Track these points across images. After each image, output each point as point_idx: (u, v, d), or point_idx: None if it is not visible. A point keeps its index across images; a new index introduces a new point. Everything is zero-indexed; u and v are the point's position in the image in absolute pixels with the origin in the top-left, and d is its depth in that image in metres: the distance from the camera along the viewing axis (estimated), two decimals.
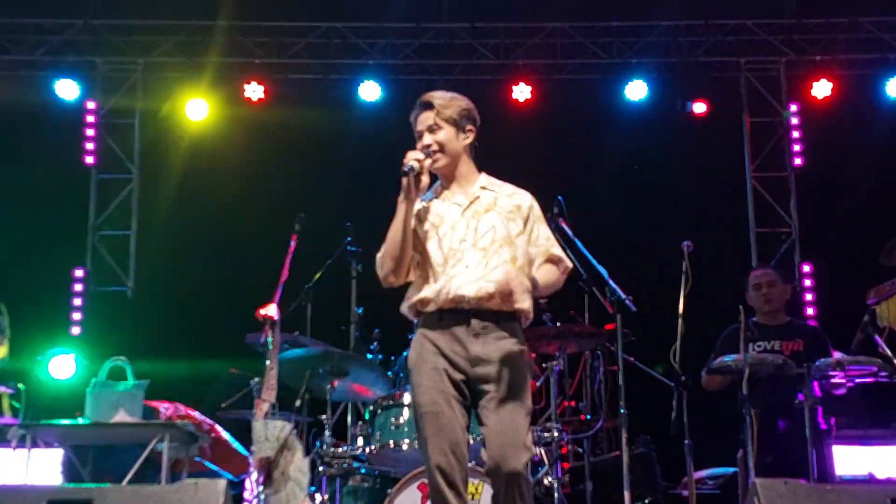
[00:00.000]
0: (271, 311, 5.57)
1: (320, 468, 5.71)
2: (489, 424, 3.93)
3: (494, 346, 3.96)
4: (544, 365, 6.11)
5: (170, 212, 9.60)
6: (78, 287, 9.27)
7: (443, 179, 4.20)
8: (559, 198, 5.83)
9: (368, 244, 6.59)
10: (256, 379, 6.05)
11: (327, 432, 5.68)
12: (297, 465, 5.77)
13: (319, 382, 5.77)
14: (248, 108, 9.47)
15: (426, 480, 5.14)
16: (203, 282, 9.09)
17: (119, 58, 9.64)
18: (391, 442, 5.56)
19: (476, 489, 5.20)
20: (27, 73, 9.61)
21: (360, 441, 5.73)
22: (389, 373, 6.41)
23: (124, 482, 5.69)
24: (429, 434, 3.92)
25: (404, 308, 4.19)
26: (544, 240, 4.16)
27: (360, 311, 6.54)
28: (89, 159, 9.61)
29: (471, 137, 4.19)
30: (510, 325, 4.01)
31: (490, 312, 3.98)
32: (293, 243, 6.22)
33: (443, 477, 3.88)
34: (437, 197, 4.19)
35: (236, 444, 6.69)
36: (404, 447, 5.53)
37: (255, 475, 5.37)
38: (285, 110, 9.48)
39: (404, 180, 4.00)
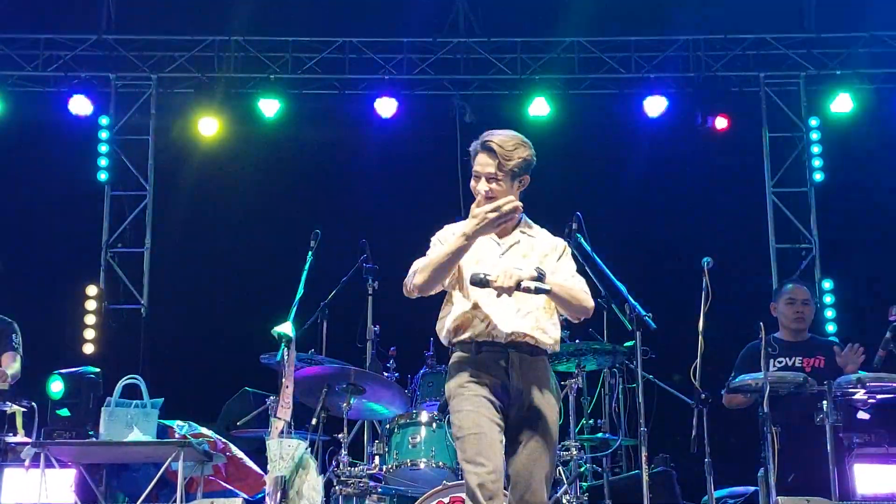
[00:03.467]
0: (287, 328, 5.52)
1: (337, 487, 5.65)
2: (520, 456, 3.97)
3: (530, 377, 4.02)
4: (562, 383, 6.04)
5: (184, 229, 9.57)
6: (91, 305, 9.23)
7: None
8: (577, 214, 5.77)
9: (384, 261, 6.59)
10: (272, 397, 6.00)
11: (344, 451, 5.61)
12: (312, 483, 5.71)
13: (336, 400, 5.72)
14: (262, 123, 9.44)
15: (444, 499, 5.12)
16: (217, 299, 9.06)
17: (132, 73, 9.64)
18: (408, 461, 5.51)
19: None
20: (40, 88, 9.62)
21: (377, 460, 5.67)
22: (406, 390, 6.35)
23: (139, 502, 5.64)
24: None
25: (439, 329, 4.27)
26: (569, 274, 4.16)
27: (376, 328, 6.48)
28: (103, 176, 9.59)
29: (523, 188, 4.22)
30: (542, 359, 4.09)
31: (525, 346, 4.04)
32: (309, 260, 6.18)
33: (484, 496, 3.84)
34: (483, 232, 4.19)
35: (251, 463, 6.63)
36: (421, 466, 5.48)
37: (270, 494, 5.31)
38: (300, 126, 9.46)
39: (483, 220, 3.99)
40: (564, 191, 8.69)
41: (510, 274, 3.90)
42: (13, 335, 6.35)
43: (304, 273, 5.86)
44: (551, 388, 4.08)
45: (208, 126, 9.42)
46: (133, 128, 9.67)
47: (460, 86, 9.58)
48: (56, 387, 5.99)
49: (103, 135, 9.57)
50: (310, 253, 6.26)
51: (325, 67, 9.62)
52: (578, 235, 5.74)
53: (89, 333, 9.12)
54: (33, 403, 5.94)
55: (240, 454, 6.68)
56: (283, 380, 5.45)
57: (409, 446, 5.57)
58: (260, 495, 6.29)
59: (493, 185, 4.10)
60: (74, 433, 5.88)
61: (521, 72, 9.51)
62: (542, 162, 9.72)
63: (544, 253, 4.16)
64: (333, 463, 5.70)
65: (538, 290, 3.92)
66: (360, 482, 5.58)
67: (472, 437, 3.91)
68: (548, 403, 4.03)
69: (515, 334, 4.02)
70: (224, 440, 6.49)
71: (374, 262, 6.58)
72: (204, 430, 6.58)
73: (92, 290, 9.28)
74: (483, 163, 4.13)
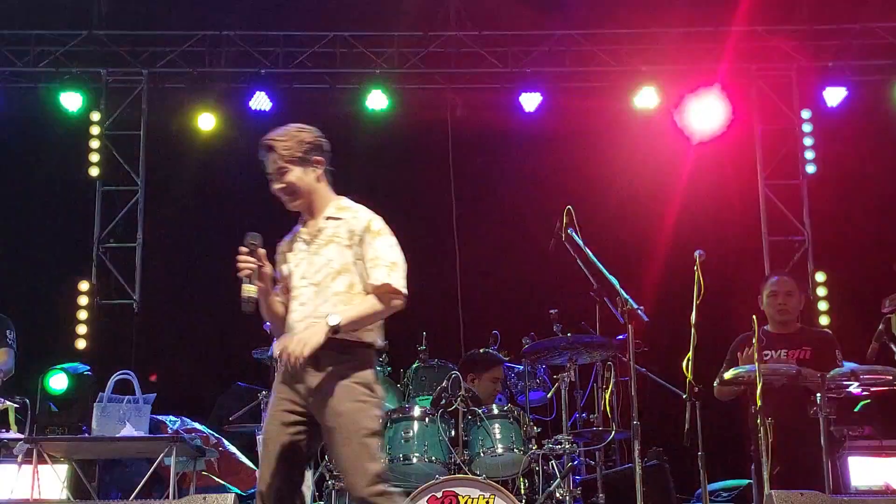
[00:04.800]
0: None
1: (329, 482, 5.64)
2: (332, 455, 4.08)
3: (322, 376, 3.94)
4: (555, 376, 6.04)
5: (176, 224, 9.54)
6: (83, 300, 9.20)
7: (303, 213, 4.23)
8: (569, 207, 5.77)
9: None
10: (264, 392, 5.99)
11: None
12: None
13: None
14: (254, 118, 9.40)
15: (437, 494, 5.13)
16: (210, 294, 9.02)
17: (124, 69, 9.59)
18: (401, 455, 5.51)
19: (487, 502, 5.13)
20: (31, 84, 9.57)
21: None
22: (399, 385, 6.35)
23: (132, 497, 5.64)
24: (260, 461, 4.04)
25: None
26: (370, 262, 4.04)
27: None
28: (94, 171, 9.54)
29: (320, 169, 4.19)
30: (346, 357, 3.96)
31: (328, 345, 3.94)
32: None
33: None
34: (298, 231, 4.25)
35: (244, 458, 6.64)
36: (414, 460, 5.47)
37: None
38: (292, 120, 9.35)
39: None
40: (555, 184, 8.68)
41: (295, 353, 3.84)
42: (7, 331, 6.33)
43: None
44: (345, 378, 3.93)
45: (199, 120, 9.39)
46: (124, 123, 9.62)
47: (451, 79, 9.56)
48: (59, 382, 5.98)
49: (95, 130, 9.52)
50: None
51: (316, 61, 9.59)
52: (570, 229, 5.74)
53: (81, 329, 9.09)
54: (26, 399, 5.93)
55: (232, 449, 6.69)
56: (276, 374, 5.43)
57: (402, 441, 5.56)
58: (253, 490, 6.28)
59: (285, 179, 4.10)
60: (67, 429, 5.88)
61: (513, 65, 9.49)
62: (533, 154, 9.78)
63: (347, 237, 4.06)
64: (325, 458, 5.69)
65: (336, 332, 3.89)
66: None
67: (263, 441, 4.04)
68: (340, 396, 3.91)
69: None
70: (217, 435, 6.50)
71: None
72: (196, 426, 6.58)
73: (84, 285, 9.25)
74: (269, 163, 4.15)
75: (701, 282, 5.22)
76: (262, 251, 4.08)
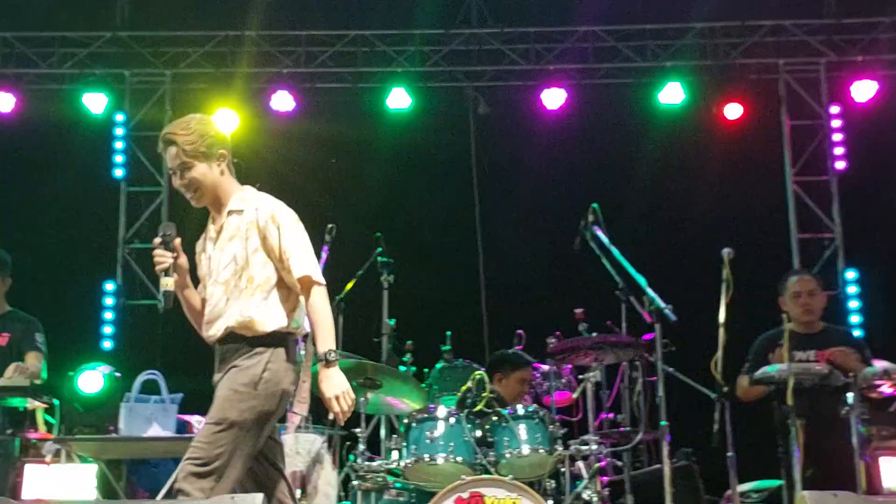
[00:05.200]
0: (303, 323, 5.49)
1: (355, 482, 5.62)
2: None
3: (224, 370, 3.97)
4: (580, 376, 5.99)
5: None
6: (109, 301, 9.23)
7: (209, 208, 4.17)
8: (594, 206, 5.72)
9: (399, 255, 6.55)
10: None
11: (361, 446, 5.57)
12: (328, 478, 5.70)
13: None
14: (276, 118, 9.41)
15: (463, 495, 5.09)
16: None
17: (147, 70, 9.62)
18: (426, 455, 5.46)
19: (514, 503, 5.09)
20: (55, 86, 9.60)
21: (395, 454, 5.63)
22: (423, 385, 6.31)
23: (159, 497, 5.64)
24: None
25: None
26: (284, 254, 3.98)
27: (392, 322, 6.45)
28: (119, 172, 9.58)
29: (224, 162, 4.10)
30: (241, 348, 3.95)
31: (232, 341, 3.97)
32: (324, 255, 6.15)
33: None
34: (206, 228, 4.22)
35: None
36: (439, 461, 5.42)
37: None
38: (314, 120, 9.41)
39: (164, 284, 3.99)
40: (580, 182, 8.62)
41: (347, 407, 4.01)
42: (36, 334, 6.29)
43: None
44: (233, 368, 3.93)
45: (226, 121, 9.40)
46: (148, 124, 9.64)
47: (473, 77, 9.52)
48: (93, 383, 5.98)
49: (119, 131, 9.56)
50: (325, 247, 6.24)
51: (337, 61, 9.57)
52: (595, 227, 5.69)
53: (108, 329, 9.12)
54: (55, 400, 5.94)
55: None
56: (301, 375, 5.42)
57: (427, 441, 5.51)
58: None
59: (190, 175, 4.01)
60: (95, 429, 5.89)
61: (535, 62, 9.44)
62: (556, 153, 9.75)
63: (247, 230, 4.01)
64: (350, 458, 5.67)
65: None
66: (378, 477, 5.54)
67: None
68: (224, 386, 3.90)
69: (216, 339, 4.02)
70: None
71: (389, 255, 6.55)
72: None
73: (110, 285, 9.28)
74: (170, 157, 4.06)
75: (729, 280, 5.16)
76: (177, 242, 4.03)
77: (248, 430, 3.86)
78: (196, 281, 4.19)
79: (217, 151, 4.06)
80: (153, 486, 6.57)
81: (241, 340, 3.96)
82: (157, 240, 4.01)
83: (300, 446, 5.73)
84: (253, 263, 3.97)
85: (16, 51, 9.49)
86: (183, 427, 6.24)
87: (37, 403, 5.95)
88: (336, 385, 3.96)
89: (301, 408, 5.40)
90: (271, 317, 3.99)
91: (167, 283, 3.96)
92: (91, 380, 5.93)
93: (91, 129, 9.55)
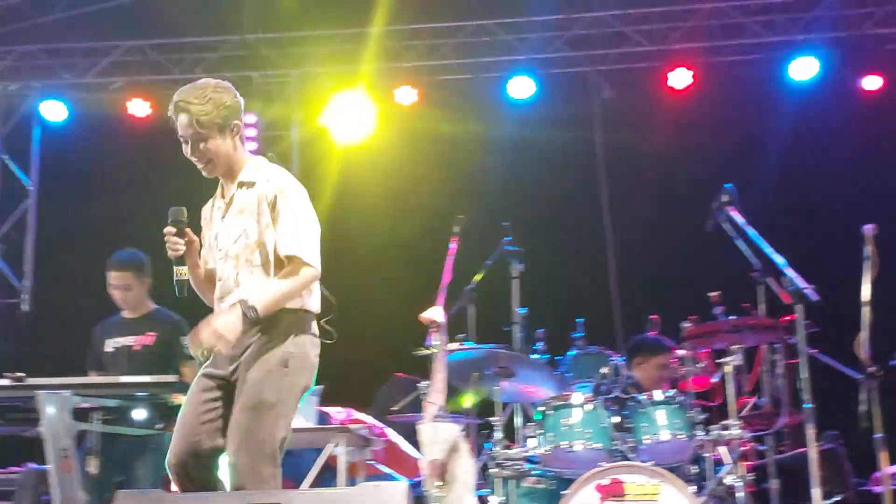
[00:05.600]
0: (436, 314, 5.55)
1: (493, 470, 5.66)
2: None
3: (244, 347, 3.85)
4: (718, 361, 5.88)
5: (329, 219, 9.70)
6: None
7: (221, 178, 4.06)
8: (728, 186, 5.60)
9: (528, 243, 6.55)
10: (423, 382, 6.05)
11: (498, 434, 5.61)
12: (465, 466, 5.74)
13: (487, 384, 5.72)
14: (401, 112, 9.52)
15: (603, 482, 5.06)
16: (365, 287, 9.18)
17: (273, 71, 9.84)
18: (564, 442, 5.46)
19: (656, 489, 5.05)
20: None
21: (532, 442, 5.65)
22: (556, 372, 6.31)
23: (305, 485, 5.77)
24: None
25: None
26: (280, 232, 3.84)
27: (523, 311, 6.45)
28: None
29: (238, 134, 3.97)
30: (275, 327, 3.86)
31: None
32: (453, 245, 6.20)
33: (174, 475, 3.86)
34: (215, 197, 4.10)
35: (408, 447, 6.72)
36: (577, 448, 5.41)
37: (426, 478, 5.36)
38: (438, 112, 9.48)
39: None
40: (709, 163, 8.47)
41: (213, 347, 3.74)
42: (182, 338, 6.40)
43: (450, 258, 5.88)
44: (267, 354, 3.84)
45: (348, 117, 9.56)
46: (277, 124, 9.88)
47: (596, 61, 9.43)
48: None
49: (249, 132, 9.80)
50: (454, 238, 6.28)
51: (459, 52, 9.61)
52: (729, 208, 5.58)
53: None
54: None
55: (396, 438, 6.78)
56: (435, 365, 5.49)
57: (564, 428, 5.51)
58: (417, 479, 6.36)
59: (204, 146, 3.87)
60: None
61: (660, 43, 9.29)
62: (685, 134, 9.57)
63: (259, 203, 3.87)
64: (487, 446, 5.70)
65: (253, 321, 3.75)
66: (516, 465, 5.57)
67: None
68: (259, 367, 3.82)
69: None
70: (380, 425, 6.59)
71: (517, 243, 6.55)
72: (361, 416, 6.70)
73: None
74: (182, 125, 3.90)
75: (874, 257, 5.00)
76: (187, 228, 3.96)
77: (286, 407, 3.87)
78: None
79: (232, 122, 3.92)
80: (296, 474, 6.74)
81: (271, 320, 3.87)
82: (171, 228, 3.93)
83: (437, 435, 5.79)
84: (267, 239, 3.87)
85: (149, 58, 9.83)
86: (323, 418, 6.38)
87: (183, 398, 6.14)
88: (226, 327, 3.71)
89: (437, 397, 5.49)
90: (308, 296, 3.95)
91: (181, 271, 3.91)
92: None
93: None
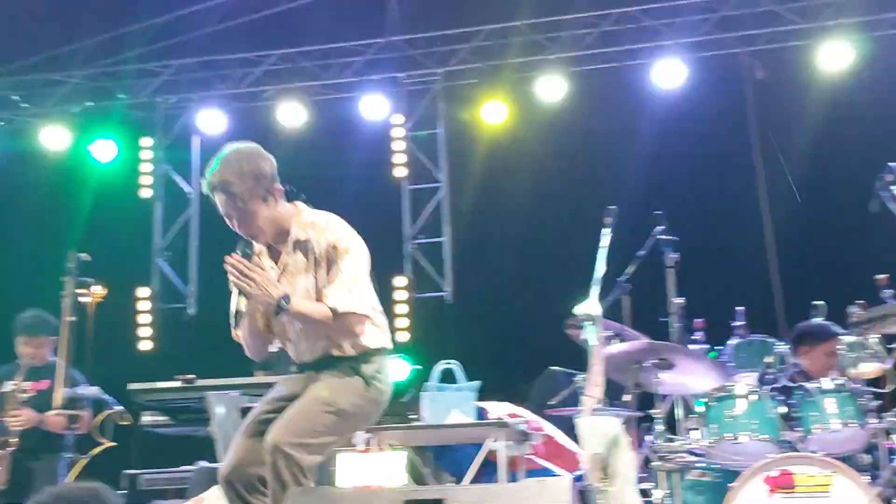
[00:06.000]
0: (591, 306, 5.51)
1: (655, 463, 5.58)
2: None
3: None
4: (889, 346, 5.65)
5: (479, 215, 9.81)
6: (399, 295, 9.64)
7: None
8: (891, 165, 5.38)
9: (682, 231, 6.43)
10: (580, 375, 6.02)
11: (659, 426, 5.53)
12: (626, 459, 5.68)
13: (645, 376, 5.64)
14: (545, 105, 9.49)
15: (772, 473, 4.93)
16: (518, 281, 9.21)
17: (419, 70, 9.96)
18: (728, 434, 5.34)
19: (828, 479, 4.89)
20: (337, 95, 10.13)
21: (695, 434, 5.55)
22: (718, 362, 6.18)
23: (466, 481, 5.83)
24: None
25: None
26: (330, 281, 3.86)
27: (680, 300, 6.34)
28: (399, 172, 9.98)
29: (277, 194, 3.90)
30: (356, 364, 3.93)
31: (329, 362, 3.94)
32: (606, 237, 6.13)
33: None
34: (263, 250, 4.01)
35: (566, 441, 6.69)
36: (743, 439, 5.29)
37: (587, 472, 5.33)
38: (584, 103, 9.42)
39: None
40: (873, 144, 8.13)
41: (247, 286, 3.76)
42: None
43: (603, 249, 5.83)
44: (350, 373, 3.91)
45: (495, 113, 9.60)
46: (424, 123, 10.01)
47: (746, 42, 9.18)
48: (402, 371, 6.25)
49: (397, 133, 9.96)
50: (606, 229, 6.21)
51: (603, 41, 9.51)
52: (894, 188, 5.36)
53: (401, 322, 9.54)
54: None
55: (555, 433, 6.76)
56: (592, 358, 5.45)
57: (728, 419, 5.39)
58: (577, 473, 6.33)
59: (250, 221, 3.85)
60: (400, 418, 6.18)
61: (812, 19, 8.97)
62: (841, 112, 9.18)
63: (316, 260, 3.88)
64: (649, 439, 5.63)
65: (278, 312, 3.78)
66: (679, 457, 5.48)
67: None
68: (334, 376, 3.89)
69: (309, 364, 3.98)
70: (538, 419, 6.59)
71: (671, 233, 6.44)
72: (518, 411, 6.71)
73: (399, 280, 9.70)
74: (223, 205, 3.86)
75: None
76: (255, 258, 3.89)
77: (347, 421, 3.91)
78: None
79: (273, 187, 3.89)
80: (457, 470, 6.81)
81: (340, 359, 3.96)
82: (234, 257, 3.85)
83: (597, 429, 5.75)
84: (326, 293, 3.88)
85: (299, 66, 10.10)
86: (481, 413, 6.43)
87: None
88: (266, 294, 3.78)
89: (595, 391, 5.45)
90: (365, 337, 3.98)
91: (240, 302, 3.87)
92: (399, 367, 6.22)
93: (370, 132, 10.02)
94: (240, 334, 4.04)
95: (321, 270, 3.87)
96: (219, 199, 3.83)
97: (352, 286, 3.84)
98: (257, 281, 3.73)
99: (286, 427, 3.73)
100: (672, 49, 9.21)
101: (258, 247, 3.96)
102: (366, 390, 3.95)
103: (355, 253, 3.92)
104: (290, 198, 4.01)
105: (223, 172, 3.81)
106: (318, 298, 3.85)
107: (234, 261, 3.76)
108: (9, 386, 6.34)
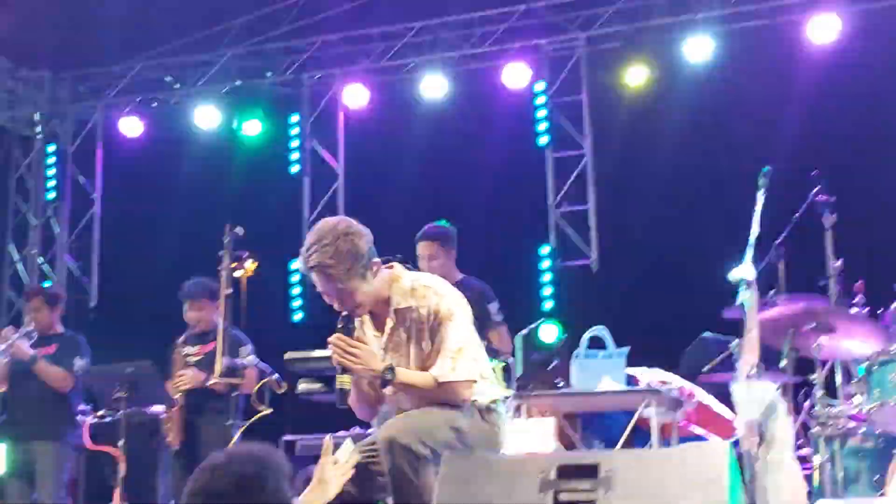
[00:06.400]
0: (745, 271, 5.38)
1: (814, 430, 5.43)
2: None
3: None
4: None
5: (623, 181, 9.69)
6: (545, 263, 9.62)
7: None
8: None
9: (840, 192, 6.19)
10: (735, 341, 5.88)
11: (818, 392, 5.37)
12: (782, 426, 5.55)
13: (803, 341, 5.48)
14: (691, 66, 9.27)
15: None
16: (665, 246, 9.05)
17: (561, 36, 9.86)
18: (891, 399, 5.15)
19: None
20: (478, 65, 10.12)
21: (856, 399, 5.37)
22: (880, 326, 5.95)
23: (617, 447, 5.80)
24: None
25: None
26: (434, 349, 3.84)
27: (838, 263, 6.12)
28: (543, 140, 9.92)
29: (374, 268, 3.84)
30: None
31: None
32: (761, 199, 5.96)
33: None
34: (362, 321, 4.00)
35: (721, 408, 6.57)
36: None
37: (743, 438, 5.22)
38: (731, 62, 9.15)
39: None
40: None
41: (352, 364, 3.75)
42: (490, 304, 6.60)
43: (757, 213, 5.67)
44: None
45: (639, 76, 9.43)
46: (567, 89, 9.91)
47: None
48: (551, 334, 6.25)
49: (539, 100, 9.90)
50: (760, 191, 6.04)
51: None
52: None
53: (546, 290, 9.51)
54: (510, 359, 6.30)
55: (708, 400, 6.65)
56: (747, 323, 5.33)
57: (891, 384, 5.19)
58: (731, 440, 6.22)
59: (350, 299, 3.81)
60: (548, 385, 6.18)
61: None
62: None
63: (418, 330, 3.87)
64: (808, 405, 5.48)
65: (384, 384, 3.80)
66: (839, 423, 5.31)
67: None
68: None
69: None
70: (690, 385, 6.49)
71: (829, 193, 6.21)
72: (669, 377, 6.62)
73: (544, 248, 9.68)
74: (322, 285, 3.82)
75: None
76: (357, 334, 3.90)
77: (463, 440, 3.87)
78: None
79: (371, 263, 3.85)
80: (608, 436, 6.78)
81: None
82: (336, 336, 3.85)
83: (752, 394, 5.63)
84: (432, 361, 3.90)
85: (440, 37, 10.14)
86: (631, 380, 6.37)
87: (496, 362, 6.34)
88: (368, 363, 3.83)
89: (750, 356, 5.33)
90: (476, 398, 3.96)
91: (344, 380, 3.84)
92: (549, 331, 6.23)
93: (513, 101, 9.99)
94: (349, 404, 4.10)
95: (425, 338, 3.90)
96: (316, 279, 3.84)
97: (456, 355, 3.85)
98: (360, 357, 3.78)
99: (404, 424, 3.76)
100: (827, 3, 8.82)
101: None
102: (485, 415, 3.99)
103: (458, 317, 3.90)
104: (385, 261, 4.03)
105: (321, 255, 3.79)
106: (425, 367, 3.88)
107: (336, 340, 3.80)
108: (180, 350, 6.69)
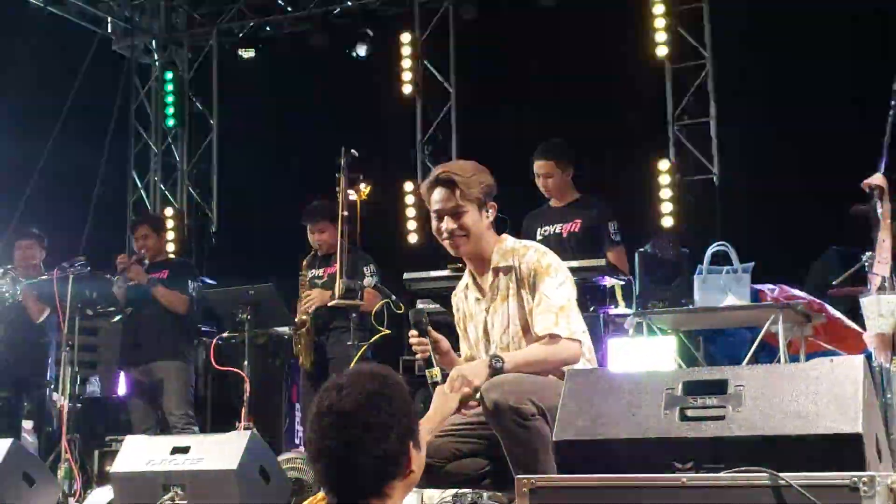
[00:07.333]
0: (879, 178, 5.14)
1: None
2: None
3: None
4: None
5: (744, 93, 9.34)
6: (665, 179, 9.38)
7: (468, 263, 4.01)
8: None
9: None
10: (867, 253, 5.65)
11: None
12: None
13: None
14: None
15: None
16: (790, 158, 8.71)
17: None
18: None
19: None
20: None
21: None
22: None
23: (743, 364, 5.69)
24: None
25: None
26: (536, 306, 3.78)
27: None
28: (661, 51, 9.59)
29: (493, 214, 3.92)
30: None
31: None
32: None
33: None
34: (467, 285, 4.05)
35: (850, 322, 6.36)
36: None
37: (874, 352, 5.04)
38: None
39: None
40: None
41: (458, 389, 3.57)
42: (612, 221, 6.50)
43: (890, 120, 5.38)
44: None
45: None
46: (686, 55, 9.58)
47: None
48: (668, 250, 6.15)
49: (657, 10, 9.54)
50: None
51: None
52: None
53: (666, 207, 9.29)
54: (631, 277, 6.19)
55: (837, 314, 6.45)
56: (879, 233, 5.11)
57: None
58: (862, 354, 6.01)
59: (461, 221, 3.82)
60: (669, 302, 6.07)
61: None
62: None
63: (518, 287, 3.83)
64: None
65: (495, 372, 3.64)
66: None
67: None
68: None
69: None
70: (819, 300, 6.29)
71: None
72: (796, 292, 6.43)
73: (664, 164, 9.44)
74: (440, 199, 3.84)
75: None
76: (429, 328, 3.80)
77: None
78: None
79: (490, 201, 3.93)
80: (731, 353, 6.65)
81: None
82: (415, 333, 3.79)
83: (883, 308, 5.42)
84: (532, 321, 3.83)
85: None
86: (755, 296, 6.20)
87: (615, 280, 6.25)
88: (472, 372, 3.61)
89: (882, 268, 5.10)
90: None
91: (433, 373, 3.74)
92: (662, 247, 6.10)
93: (629, 8, 9.67)
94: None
95: (525, 295, 3.86)
96: (437, 195, 3.88)
97: (560, 311, 3.78)
98: (462, 378, 3.64)
99: (509, 385, 3.58)
100: None
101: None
102: None
103: (560, 275, 3.85)
104: (499, 230, 4.06)
105: (454, 168, 3.93)
106: (526, 325, 3.85)
107: (416, 341, 3.78)
108: (306, 273, 6.82)
